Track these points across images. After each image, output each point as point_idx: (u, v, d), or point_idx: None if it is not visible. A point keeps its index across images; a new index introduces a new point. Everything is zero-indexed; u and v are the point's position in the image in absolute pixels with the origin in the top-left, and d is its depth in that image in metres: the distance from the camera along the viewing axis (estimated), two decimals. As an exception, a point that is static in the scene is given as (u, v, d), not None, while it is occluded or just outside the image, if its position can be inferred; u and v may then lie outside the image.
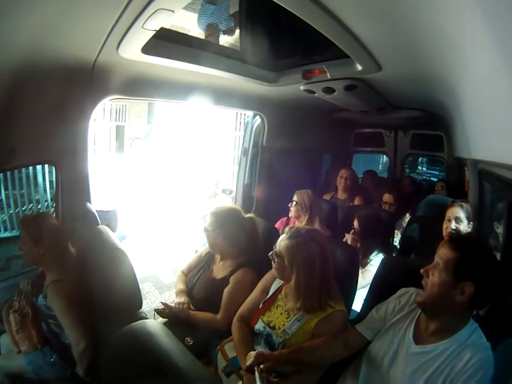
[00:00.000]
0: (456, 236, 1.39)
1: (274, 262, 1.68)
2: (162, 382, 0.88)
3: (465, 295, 1.17)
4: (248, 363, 1.34)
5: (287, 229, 1.74)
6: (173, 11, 1.22)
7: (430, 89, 2.03)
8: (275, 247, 1.68)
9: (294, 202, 2.90)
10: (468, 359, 1.17)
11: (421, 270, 1.30)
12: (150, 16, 1.22)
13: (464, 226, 2.16)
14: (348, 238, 2.54)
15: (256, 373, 1.29)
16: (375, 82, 2.06)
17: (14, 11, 1.03)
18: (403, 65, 1.72)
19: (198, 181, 8.18)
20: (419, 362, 1.27)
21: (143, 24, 1.28)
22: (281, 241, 1.66)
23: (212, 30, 2.21)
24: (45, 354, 1.56)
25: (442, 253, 1.25)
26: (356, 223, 2.56)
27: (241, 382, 1.52)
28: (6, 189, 4.63)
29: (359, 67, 1.77)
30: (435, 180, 5.61)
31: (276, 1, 1.16)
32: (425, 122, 3.62)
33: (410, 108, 3.12)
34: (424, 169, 7.44)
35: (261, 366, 1.32)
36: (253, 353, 1.37)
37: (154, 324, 1.09)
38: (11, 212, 4.70)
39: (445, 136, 3.85)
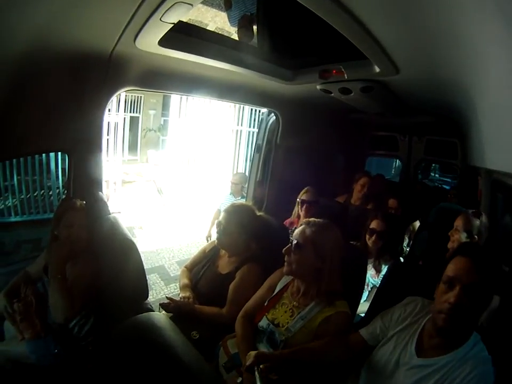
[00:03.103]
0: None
1: (292, 255, 1.67)
2: (165, 375, 0.88)
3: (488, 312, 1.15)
4: (248, 363, 1.34)
5: (302, 222, 1.77)
6: (191, 5, 1.21)
7: (447, 94, 2.00)
8: (294, 240, 1.69)
9: (300, 202, 2.90)
10: (467, 373, 1.14)
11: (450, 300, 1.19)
12: (168, 9, 1.21)
13: (465, 237, 2.11)
14: (369, 240, 2.54)
15: (256, 373, 1.29)
16: (392, 85, 2.04)
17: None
18: (421, 69, 1.69)
19: (219, 176, 8.27)
20: (419, 375, 1.24)
21: (161, 17, 1.28)
22: (303, 232, 1.69)
23: (245, 21, 2.16)
24: (49, 344, 1.57)
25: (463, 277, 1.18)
26: (376, 224, 2.53)
27: (240, 378, 1.52)
28: (19, 174, 4.69)
29: (377, 69, 1.74)
30: (447, 187, 5.54)
31: (296, -1, 1.15)
32: (440, 128, 3.57)
33: (426, 113, 3.08)
34: (437, 176, 7.34)
35: (261, 366, 1.31)
36: (253, 353, 1.37)
37: (159, 317, 1.09)
38: (22, 197, 4.76)
39: (459, 143, 3.79)
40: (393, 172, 6.29)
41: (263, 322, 1.70)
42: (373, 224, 2.55)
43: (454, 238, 2.13)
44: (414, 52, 1.49)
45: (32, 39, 1.33)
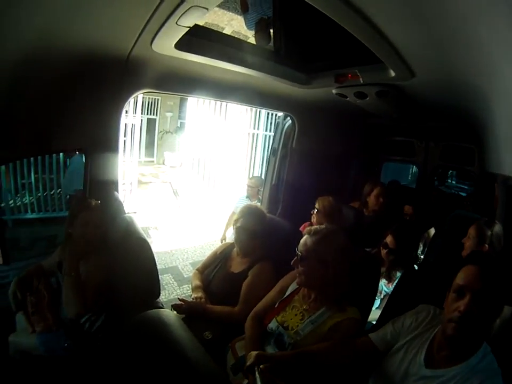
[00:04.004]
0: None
1: (300, 267, 1.67)
2: (170, 370, 0.89)
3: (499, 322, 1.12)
4: (248, 363, 1.34)
5: (305, 232, 1.77)
6: (207, 9, 1.23)
7: (464, 99, 1.97)
8: (299, 253, 1.69)
9: (316, 210, 2.88)
10: None
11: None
12: (184, 13, 1.23)
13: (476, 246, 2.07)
14: (383, 253, 2.53)
15: (257, 373, 1.29)
16: (408, 89, 2.01)
17: (52, 2, 1.06)
18: (436, 73, 1.67)
19: (235, 178, 8.31)
20: None
21: (177, 21, 1.30)
22: (304, 243, 1.69)
23: (262, 24, 2.17)
24: (59, 338, 1.60)
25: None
26: (390, 240, 2.51)
27: (246, 380, 1.52)
28: (36, 172, 4.77)
29: (392, 73, 1.73)
30: (464, 194, 5.44)
31: (309, 2, 1.15)
32: (457, 133, 3.51)
33: (443, 118, 3.03)
34: (454, 182, 7.20)
35: (261, 366, 1.31)
36: (254, 353, 1.37)
37: (168, 314, 1.10)
38: (39, 195, 4.86)
39: (476, 149, 3.71)
40: (409, 178, 6.19)
41: (273, 324, 1.70)
42: (388, 239, 2.53)
43: (467, 246, 2.09)
44: (429, 56, 1.47)
45: (53, 41, 1.37)
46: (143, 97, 9.33)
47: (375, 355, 1.43)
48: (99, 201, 1.96)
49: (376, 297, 2.27)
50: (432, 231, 3.10)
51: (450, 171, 6.72)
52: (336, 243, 1.68)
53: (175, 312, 1.99)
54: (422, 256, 2.95)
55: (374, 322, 1.83)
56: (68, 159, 4.63)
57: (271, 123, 8.32)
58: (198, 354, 0.93)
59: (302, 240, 1.72)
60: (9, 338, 1.59)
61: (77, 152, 3.60)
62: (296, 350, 1.51)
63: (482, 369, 1.14)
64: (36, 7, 1.06)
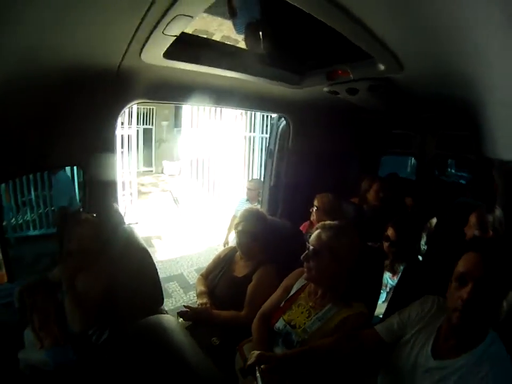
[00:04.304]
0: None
1: (311, 262, 1.68)
2: (170, 375, 0.89)
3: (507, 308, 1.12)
4: (248, 362, 1.34)
5: (317, 227, 1.77)
6: (191, 17, 1.24)
7: (454, 88, 1.97)
8: (311, 247, 1.69)
9: (315, 207, 2.88)
10: (484, 374, 1.09)
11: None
12: (170, 22, 1.24)
13: (478, 233, 2.06)
14: (385, 246, 2.53)
15: (257, 373, 1.29)
16: (399, 82, 2.02)
17: (37, 20, 1.07)
18: (425, 64, 1.67)
19: (234, 182, 8.31)
20: (435, 377, 1.20)
21: (164, 30, 1.31)
22: (318, 237, 1.69)
23: (251, 28, 2.17)
24: (67, 352, 1.61)
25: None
26: (391, 233, 2.51)
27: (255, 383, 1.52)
28: (36, 189, 4.79)
29: (382, 67, 1.74)
30: (464, 182, 5.42)
31: (291, 2, 1.16)
32: (451, 122, 3.51)
33: (436, 108, 3.03)
34: (453, 171, 7.17)
35: (262, 367, 1.31)
36: (255, 353, 1.37)
37: (169, 319, 1.11)
38: (40, 211, 4.88)
39: (471, 135, 3.70)
40: (409, 170, 6.18)
41: (280, 324, 1.71)
42: (388, 231, 2.54)
43: (468, 234, 2.09)
44: (416, 48, 1.48)
45: (41, 57, 1.38)
46: (137, 108, 9.34)
47: (381, 347, 1.42)
48: (94, 215, 1.97)
49: (382, 291, 2.28)
50: (434, 220, 3.09)
51: (450, 160, 6.69)
52: (351, 238, 1.70)
53: (180, 319, 2.00)
54: (425, 247, 2.94)
55: (381, 316, 1.83)
56: (51, 176, 4.61)
57: (266, 125, 8.33)
58: (198, 359, 0.93)
59: (315, 235, 1.72)
60: (19, 355, 1.60)
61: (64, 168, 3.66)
62: (300, 348, 1.51)
63: (490, 357, 1.13)
64: (18, 25, 1.07)
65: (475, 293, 1.10)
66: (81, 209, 2.32)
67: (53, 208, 4.88)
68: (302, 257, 1.70)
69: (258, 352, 1.38)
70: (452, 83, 1.87)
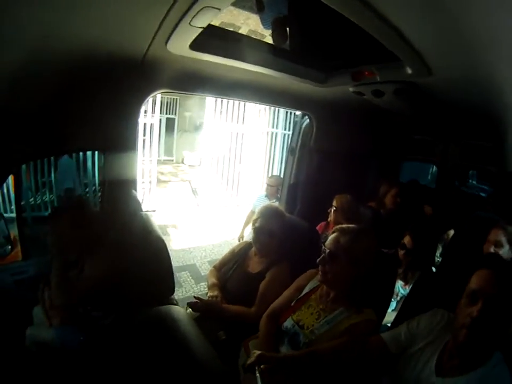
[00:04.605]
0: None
1: (327, 265, 1.65)
2: (175, 364, 0.90)
3: None
4: (248, 361, 1.35)
5: (335, 230, 1.74)
6: (219, 9, 1.23)
7: (482, 97, 1.91)
8: (327, 250, 1.66)
9: (334, 208, 2.86)
10: None
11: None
12: (197, 13, 1.24)
13: (505, 252, 1.99)
14: (400, 254, 2.49)
15: (257, 372, 1.29)
16: (426, 87, 1.97)
17: (65, 6, 1.08)
18: (453, 71, 1.63)
19: (254, 177, 8.34)
20: None
21: (190, 21, 1.31)
22: (336, 241, 1.67)
23: (278, 23, 2.16)
24: (75, 332, 1.63)
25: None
26: (407, 241, 2.47)
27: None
28: (56, 171, 4.87)
29: (409, 70, 1.70)
30: (484, 195, 5.28)
31: (324, 1, 1.14)
32: (477, 132, 3.41)
33: (463, 115, 2.95)
34: (474, 182, 6.97)
35: (262, 366, 1.31)
36: (256, 352, 1.37)
37: (179, 310, 1.12)
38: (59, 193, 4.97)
39: (496, 147, 3.60)
40: (429, 178, 6.06)
41: (288, 323, 1.70)
42: (405, 239, 2.49)
43: (486, 250, 2.03)
44: (446, 53, 1.44)
45: (71, 43, 1.40)
46: (161, 97, 9.45)
47: (386, 355, 1.40)
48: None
49: (393, 299, 2.25)
50: (451, 232, 3.02)
51: (471, 171, 6.51)
52: (369, 243, 1.67)
53: (189, 309, 2.01)
54: (440, 259, 2.88)
55: (389, 325, 1.80)
56: (57, 161, 4.73)
57: (290, 122, 8.31)
58: (203, 350, 0.94)
59: (333, 238, 1.70)
60: (27, 331, 1.63)
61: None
62: (303, 350, 1.50)
63: (493, 379, 1.11)
64: (46, 8, 1.08)
65: (485, 311, 1.07)
66: (99, 193, 2.34)
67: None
68: (318, 260, 1.68)
69: (259, 352, 1.39)
70: (479, 92, 1.82)
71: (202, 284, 4.62)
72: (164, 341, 0.95)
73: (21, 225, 2.40)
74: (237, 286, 2.19)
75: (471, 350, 1.14)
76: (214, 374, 0.92)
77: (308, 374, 1.41)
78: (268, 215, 2.27)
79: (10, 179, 2.34)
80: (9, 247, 1.99)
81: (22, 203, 4.30)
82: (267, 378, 1.30)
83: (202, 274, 4.95)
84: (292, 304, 1.80)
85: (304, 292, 1.82)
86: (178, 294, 4.16)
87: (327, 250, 1.66)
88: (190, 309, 2.02)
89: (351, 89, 2.37)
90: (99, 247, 1.87)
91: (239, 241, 4.25)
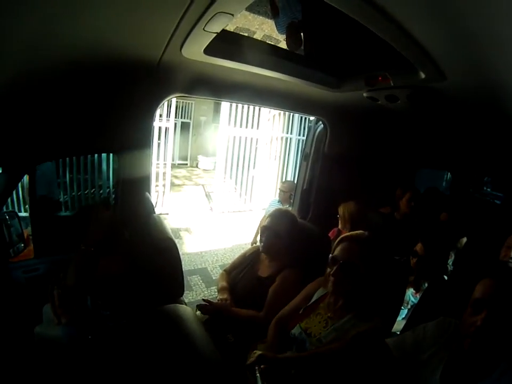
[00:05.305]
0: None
1: (337, 277, 1.63)
2: (179, 361, 0.91)
3: None
4: (248, 361, 1.35)
5: (343, 239, 1.73)
6: (232, 14, 1.25)
7: (497, 102, 1.88)
8: (340, 261, 1.64)
9: (338, 216, 2.87)
10: None
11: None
12: (211, 19, 1.25)
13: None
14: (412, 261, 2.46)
15: (257, 372, 1.29)
16: (440, 92, 1.95)
17: (81, 10, 1.11)
18: (468, 76, 1.61)
19: (267, 183, 8.35)
20: None
21: (204, 27, 1.32)
22: (347, 250, 1.65)
23: (293, 28, 2.17)
24: (82, 331, 1.65)
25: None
26: (419, 248, 2.44)
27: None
28: (71, 172, 5.01)
29: (422, 75, 1.68)
30: (499, 202, 5.18)
31: (335, 5, 1.15)
32: (492, 138, 3.36)
33: (477, 122, 2.91)
34: (489, 190, 6.85)
35: (262, 367, 1.31)
36: (256, 352, 1.38)
37: (185, 309, 1.13)
38: (73, 194, 5.10)
39: (511, 154, 3.52)
40: (444, 184, 5.97)
41: (296, 330, 1.70)
42: (417, 246, 2.46)
43: (505, 256, 2.00)
44: (460, 58, 1.43)
45: (87, 46, 1.43)
46: (176, 102, 9.54)
47: (389, 360, 1.38)
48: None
49: (403, 307, 2.22)
50: (464, 240, 2.98)
51: (486, 177, 6.40)
52: (381, 252, 1.67)
53: (198, 312, 2.02)
54: (452, 267, 2.84)
55: (399, 333, 1.78)
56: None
57: (304, 127, 8.30)
58: (207, 350, 0.95)
59: (342, 248, 1.68)
60: (36, 329, 1.66)
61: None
62: (305, 352, 1.50)
63: None
64: (66, 16, 1.11)
65: (489, 320, 1.06)
66: (113, 196, 2.38)
67: (86, 192, 5.07)
68: (332, 273, 1.65)
69: (259, 352, 1.39)
70: (495, 97, 1.79)
71: (213, 288, 4.62)
72: (168, 338, 0.97)
73: (34, 224, 2.45)
74: (246, 289, 2.19)
75: (475, 359, 1.13)
76: (215, 372, 0.93)
77: (310, 374, 1.41)
78: (276, 216, 2.27)
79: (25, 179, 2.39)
80: (22, 245, 2.03)
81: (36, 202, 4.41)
82: (267, 378, 1.30)
83: (214, 278, 4.96)
84: (301, 311, 1.79)
85: (313, 300, 1.82)
86: (188, 297, 4.18)
87: (340, 261, 1.64)
88: (200, 312, 2.03)
89: (365, 94, 2.36)
90: (116, 246, 1.90)
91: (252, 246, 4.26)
